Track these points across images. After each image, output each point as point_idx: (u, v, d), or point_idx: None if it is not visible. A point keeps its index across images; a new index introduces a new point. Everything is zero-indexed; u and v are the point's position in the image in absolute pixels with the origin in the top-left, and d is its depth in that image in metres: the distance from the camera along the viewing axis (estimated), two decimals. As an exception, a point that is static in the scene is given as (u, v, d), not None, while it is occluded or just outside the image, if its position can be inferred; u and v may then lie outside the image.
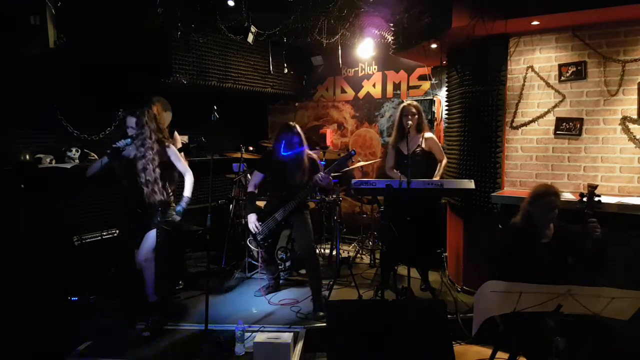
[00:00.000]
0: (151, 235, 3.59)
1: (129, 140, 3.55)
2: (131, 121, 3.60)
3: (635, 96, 3.50)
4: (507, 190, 3.98)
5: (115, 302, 4.01)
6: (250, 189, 4.10)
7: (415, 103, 4.34)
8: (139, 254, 3.62)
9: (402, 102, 5.58)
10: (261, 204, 4.39)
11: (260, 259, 4.28)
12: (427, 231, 4.28)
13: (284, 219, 3.91)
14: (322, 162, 4.07)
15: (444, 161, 4.32)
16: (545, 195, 2.76)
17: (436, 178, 4.18)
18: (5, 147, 4.08)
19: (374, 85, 6.36)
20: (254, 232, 3.96)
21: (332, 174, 3.92)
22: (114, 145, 3.52)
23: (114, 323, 3.67)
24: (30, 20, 3.57)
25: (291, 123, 4.02)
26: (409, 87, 6.07)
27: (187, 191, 3.72)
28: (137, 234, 3.67)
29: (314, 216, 5.04)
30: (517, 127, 4.00)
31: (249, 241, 4.02)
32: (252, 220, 3.96)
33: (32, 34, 3.59)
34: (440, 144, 4.45)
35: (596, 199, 2.67)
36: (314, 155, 4.11)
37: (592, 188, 2.69)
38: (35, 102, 4.27)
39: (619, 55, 3.55)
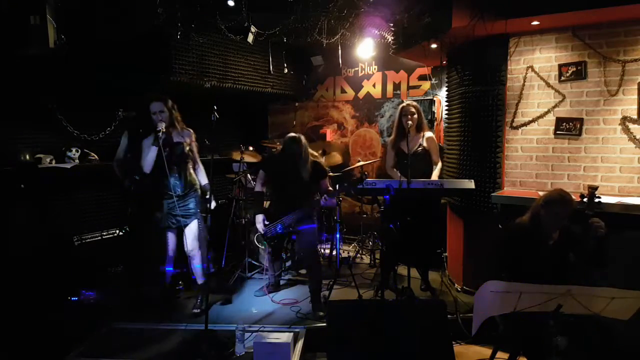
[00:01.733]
0: (192, 226, 3.82)
1: (163, 123, 3.67)
2: (158, 106, 3.69)
3: (635, 96, 3.50)
4: (507, 190, 3.98)
5: (116, 301, 4.01)
6: (257, 188, 4.11)
7: (414, 103, 4.35)
8: (186, 244, 3.80)
9: (402, 102, 5.58)
10: (265, 203, 4.38)
11: (267, 254, 4.30)
12: (427, 231, 4.28)
13: (290, 225, 3.91)
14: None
15: (440, 164, 4.33)
16: (560, 204, 2.71)
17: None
18: (5, 147, 4.08)
19: (374, 85, 6.36)
20: (262, 233, 3.97)
21: (330, 174, 3.93)
22: (157, 130, 3.60)
23: (114, 321, 3.67)
24: (30, 20, 3.57)
25: (295, 135, 3.96)
26: (409, 87, 6.07)
27: (205, 179, 3.94)
28: (165, 225, 3.81)
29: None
30: (517, 127, 4.00)
31: (257, 238, 4.03)
32: (259, 220, 3.96)
33: (32, 34, 3.59)
34: (437, 146, 4.44)
35: (596, 200, 2.67)
36: (320, 159, 4.11)
37: (592, 189, 2.69)
38: (35, 102, 4.27)
39: (619, 55, 3.56)
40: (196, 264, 3.90)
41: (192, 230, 3.84)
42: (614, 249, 2.79)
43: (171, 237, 3.85)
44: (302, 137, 3.93)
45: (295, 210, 3.85)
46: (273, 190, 4.20)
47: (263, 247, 4.12)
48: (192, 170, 3.92)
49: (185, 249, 3.84)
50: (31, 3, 3.57)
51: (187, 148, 3.82)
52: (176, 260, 3.97)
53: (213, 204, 3.82)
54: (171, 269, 3.92)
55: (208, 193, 3.77)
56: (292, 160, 3.87)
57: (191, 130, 3.90)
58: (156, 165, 3.69)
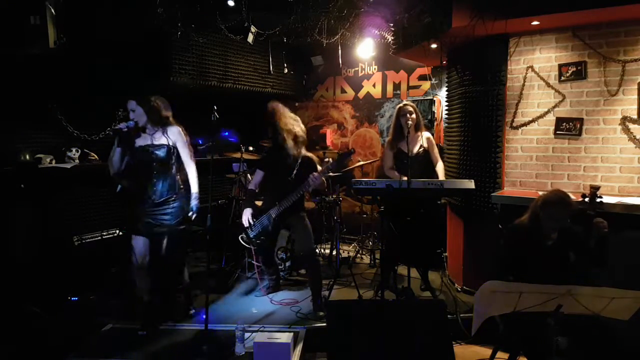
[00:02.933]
0: (171, 235, 3.54)
1: (132, 123, 3.46)
2: (132, 104, 3.49)
3: (635, 96, 3.50)
4: (507, 190, 3.98)
5: (116, 301, 4.01)
6: (251, 187, 4.11)
7: (411, 103, 4.35)
8: (164, 255, 3.54)
9: (401, 102, 5.58)
10: (259, 203, 4.39)
11: (259, 259, 4.28)
12: (427, 231, 4.28)
13: (277, 216, 3.90)
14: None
15: (441, 164, 4.33)
16: (559, 205, 2.70)
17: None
18: (5, 147, 4.08)
19: (374, 85, 6.36)
20: (245, 226, 3.95)
21: (331, 174, 3.92)
22: (115, 128, 3.40)
23: (114, 321, 3.67)
24: (30, 20, 3.57)
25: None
26: (409, 87, 6.07)
27: (194, 186, 3.61)
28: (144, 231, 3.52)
29: (314, 216, 5.06)
30: (517, 127, 4.00)
31: (241, 238, 4.00)
32: (246, 213, 3.96)
33: (32, 34, 3.59)
34: (436, 145, 4.45)
35: (598, 200, 2.67)
36: (311, 155, 4.11)
37: (594, 189, 2.69)
38: (35, 102, 4.27)
39: (619, 55, 3.55)
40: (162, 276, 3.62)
41: (163, 244, 3.53)
42: (614, 249, 2.80)
43: (137, 243, 3.49)
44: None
45: (282, 201, 3.85)
46: (266, 185, 4.15)
47: (250, 247, 4.07)
48: (177, 175, 3.60)
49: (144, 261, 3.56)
50: (31, 3, 3.57)
51: (171, 150, 3.52)
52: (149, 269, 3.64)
53: (194, 216, 3.57)
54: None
55: (193, 201, 3.56)
56: (280, 147, 3.90)
57: (177, 128, 3.56)
58: (134, 168, 3.51)
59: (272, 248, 4.34)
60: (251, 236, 3.97)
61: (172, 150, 3.54)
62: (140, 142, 3.53)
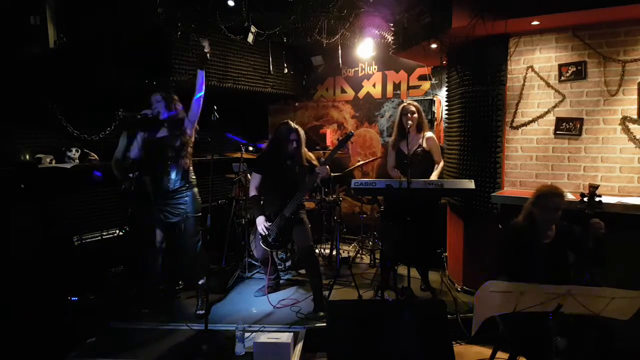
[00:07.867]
0: (190, 223, 3.83)
1: (155, 111, 3.67)
2: (157, 97, 3.72)
3: (635, 96, 3.50)
4: (507, 190, 3.98)
5: (116, 301, 4.01)
6: (252, 192, 4.04)
7: (415, 103, 4.36)
8: (185, 242, 3.87)
9: (402, 102, 5.59)
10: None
11: (259, 261, 4.28)
12: (427, 231, 4.28)
13: (292, 213, 3.87)
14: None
15: (441, 164, 4.33)
16: (550, 196, 2.76)
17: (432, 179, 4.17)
18: (5, 147, 4.07)
19: (374, 85, 6.36)
20: (263, 234, 3.92)
21: (331, 168, 3.93)
22: (142, 113, 3.61)
23: (114, 321, 3.67)
24: (30, 20, 3.57)
25: (289, 121, 4.01)
26: (409, 87, 6.07)
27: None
28: (160, 222, 3.81)
29: (314, 216, 5.06)
30: (517, 127, 4.00)
31: (262, 243, 3.97)
32: (260, 221, 3.92)
33: (32, 34, 3.59)
34: (439, 145, 4.45)
35: (597, 199, 2.67)
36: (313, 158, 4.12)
37: (593, 188, 2.69)
38: (35, 102, 4.27)
39: (619, 55, 3.55)
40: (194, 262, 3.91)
41: (187, 228, 3.81)
42: (614, 249, 2.80)
43: (159, 234, 3.85)
44: (298, 126, 3.96)
45: (290, 201, 3.83)
46: (266, 189, 4.07)
47: (279, 260, 4.08)
48: (189, 166, 3.84)
49: (185, 247, 3.87)
50: (31, 3, 3.57)
51: (183, 139, 3.74)
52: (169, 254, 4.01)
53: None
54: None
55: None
56: (284, 149, 3.90)
57: (180, 108, 3.80)
58: (151, 157, 3.68)
59: (287, 245, 4.30)
60: (270, 240, 3.94)
61: (185, 143, 3.76)
62: (159, 133, 3.74)
